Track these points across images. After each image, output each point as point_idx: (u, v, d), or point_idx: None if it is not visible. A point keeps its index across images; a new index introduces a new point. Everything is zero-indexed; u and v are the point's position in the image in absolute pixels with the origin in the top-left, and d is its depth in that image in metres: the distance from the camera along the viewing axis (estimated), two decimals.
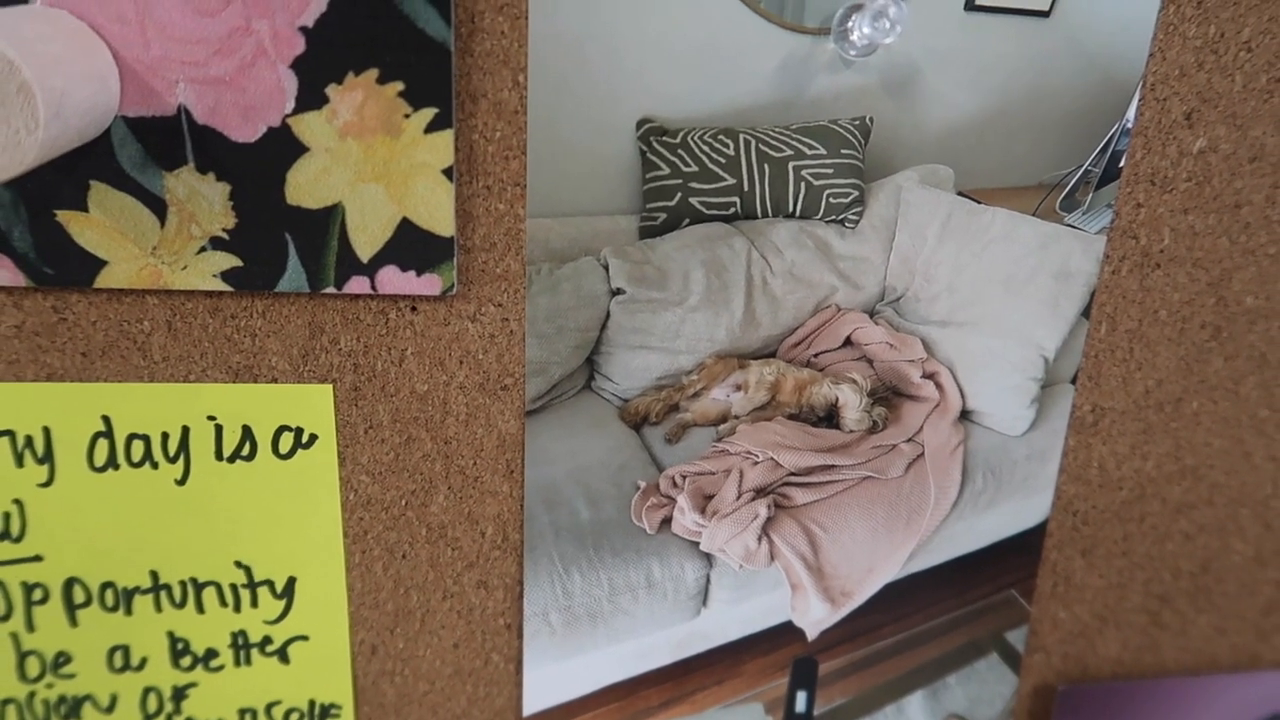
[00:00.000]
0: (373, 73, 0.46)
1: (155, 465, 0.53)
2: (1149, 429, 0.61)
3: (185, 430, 0.53)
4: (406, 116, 0.47)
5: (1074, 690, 0.65)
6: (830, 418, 0.57)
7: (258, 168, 0.47)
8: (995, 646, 0.64)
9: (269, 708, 0.59)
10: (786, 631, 0.62)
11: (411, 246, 0.49)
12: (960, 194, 0.54)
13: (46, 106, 0.38)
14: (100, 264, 0.48)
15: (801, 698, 0.63)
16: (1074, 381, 0.58)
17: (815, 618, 0.61)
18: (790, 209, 0.53)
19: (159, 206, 0.47)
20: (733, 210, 0.53)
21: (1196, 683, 0.66)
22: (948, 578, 0.62)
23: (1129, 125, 0.52)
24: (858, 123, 0.51)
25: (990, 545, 0.62)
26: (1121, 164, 0.53)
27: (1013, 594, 0.63)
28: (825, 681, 0.63)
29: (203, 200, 0.47)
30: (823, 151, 0.51)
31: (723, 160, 0.51)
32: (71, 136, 0.42)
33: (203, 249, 0.49)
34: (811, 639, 0.62)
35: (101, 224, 0.47)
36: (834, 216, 0.53)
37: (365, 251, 0.49)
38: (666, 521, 0.58)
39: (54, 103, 0.39)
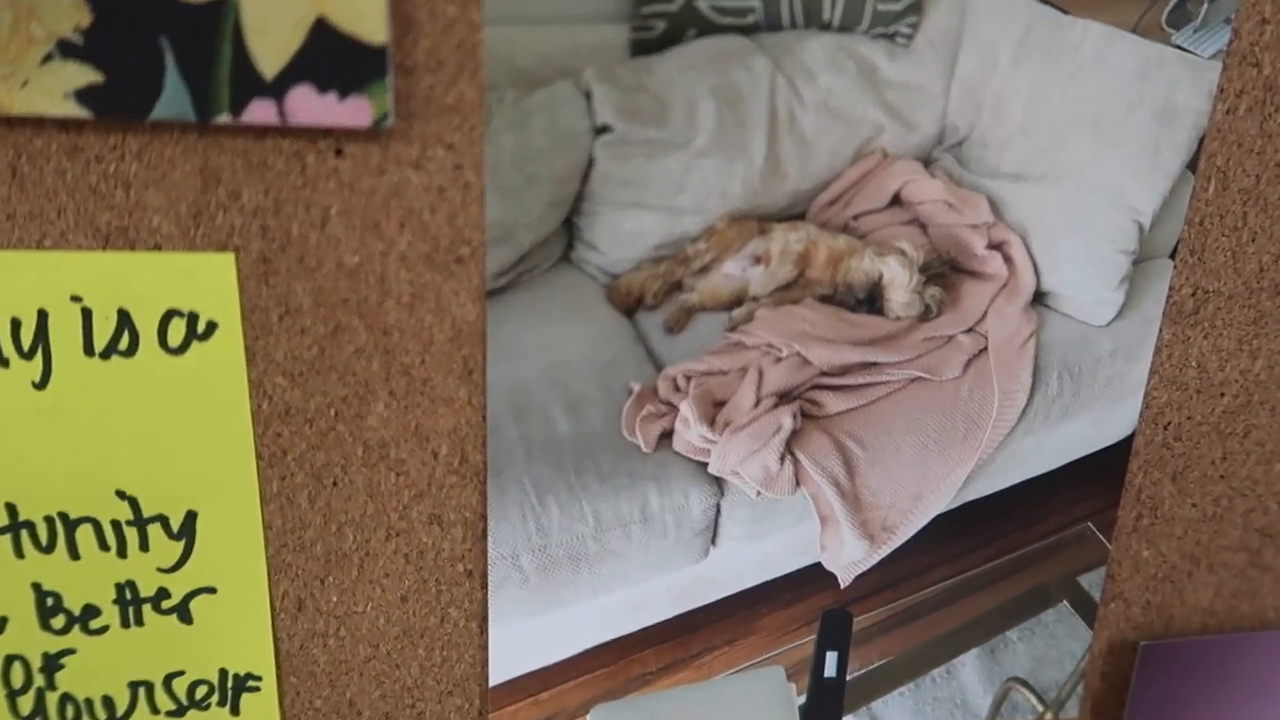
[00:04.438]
0: None
1: (5, 362, 0.47)
2: (1262, 318, 0.57)
3: (42, 315, 0.47)
4: None
5: (1158, 647, 0.61)
6: (872, 300, 0.53)
7: None
8: (1066, 593, 0.62)
9: (168, 680, 0.54)
10: (814, 576, 0.59)
11: (331, 57, 0.43)
12: (1044, 2, 0.49)
13: None
14: None
15: (831, 659, 0.61)
16: (1173, 256, 0.55)
17: (850, 558, 0.58)
18: (825, 19, 0.48)
19: None
20: (752, 19, 0.47)
21: None
22: (1011, 508, 0.59)
23: None
24: None
25: (1064, 467, 0.59)
26: None
27: (1089, 528, 0.61)
28: (861, 638, 0.61)
29: None
30: None
31: None
32: None
33: (48, 57, 0.41)
34: (845, 585, 0.60)
35: None
36: (882, 29, 0.48)
37: (269, 63, 0.42)
38: (666, 436, 0.54)
39: None
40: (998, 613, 0.61)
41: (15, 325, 0.46)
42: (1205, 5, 0.48)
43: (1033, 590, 0.60)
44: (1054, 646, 0.62)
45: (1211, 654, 0.62)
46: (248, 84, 0.42)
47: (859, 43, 0.48)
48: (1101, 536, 0.60)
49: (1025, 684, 0.62)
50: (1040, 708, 0.64)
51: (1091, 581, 0.61)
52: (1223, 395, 0.58)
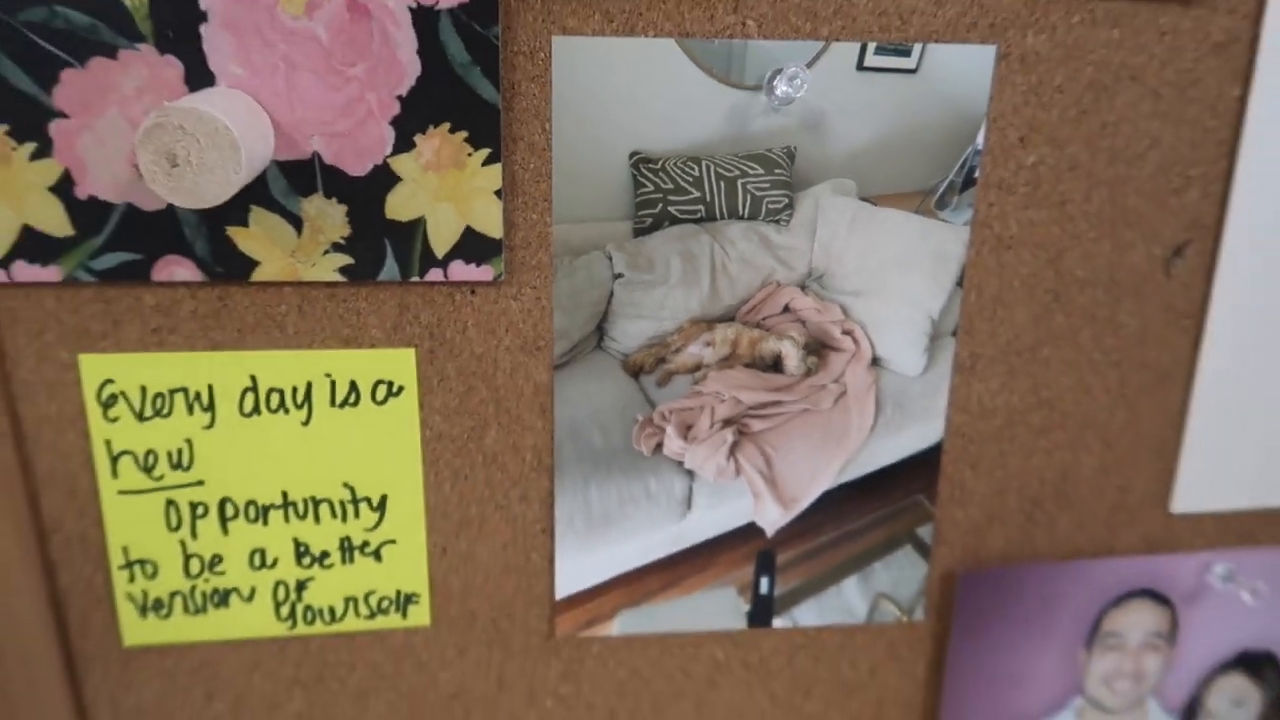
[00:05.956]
0: (446, 125, 0.57)
1: (287, 411, 0.62)
2: (1013, 370, 0.67)
3: (309, 385, 0.62)
4: (469, 155, 0.57)
5: (971, 575, 0.71)
6: (776, 365, 0.64)
7: (366, 193, 0.57)
8: (909, 540, 0.71)
9: (366, 596, 0.68)
10: (752, 530, 0.69)
11: (473, 246, 0.60)
12: (862, 199, 0.61)
13: (246, 157, 0.56)
14: (254, 264, 0.59)
15: (764, 582, 0.69)
16: (955, 334, 0.65)
17: (772, 519, 0.68)
18: (740, 213, 0.61)
19: (297, 222, 0.58)
20: (699, 215, 0.60)
21: (1066, 567, 0.72)
22: (871, 486, 0.69)
23: (979, 147, 0.61)
24: (785, 150, 0.59)
25: (902, 460, 0.68)
26: (976, 175, 0.62)
27: (920, 499, 0.70)
28: (782, 569, 0.70)
29: (328, 217, 0.58)
30: (761, 172, 0.59)
31: (691, 179, 0.59)
32: (248, 176, 0.59)
33: (326, 251, 0.59)
34: (770, 536, 0.69)
35: (257, 235, 0.58)
36: (772, 218, 0.61)
37: (440, 250, 0.60)
38: (659, 446, 0.65)
39: (246, 153, 0.56)
40: (867, 553, 0.70)
41: (294, 391, 0.62)
42: (957, 197, 0.62)
43: (888, 538, 0.70)
44: (905, 574, 0.71)
45: (1008, 579, 0.72)
46: (429, 260, 0.60)
47: (759, 225, 0.61)
48: (928, 504, 0.70)
49: (889, 597, 0.72)
50: (899, 613, 0.72)
51: (925, 533, 0.71)
52: (995, 417, 0.69)
